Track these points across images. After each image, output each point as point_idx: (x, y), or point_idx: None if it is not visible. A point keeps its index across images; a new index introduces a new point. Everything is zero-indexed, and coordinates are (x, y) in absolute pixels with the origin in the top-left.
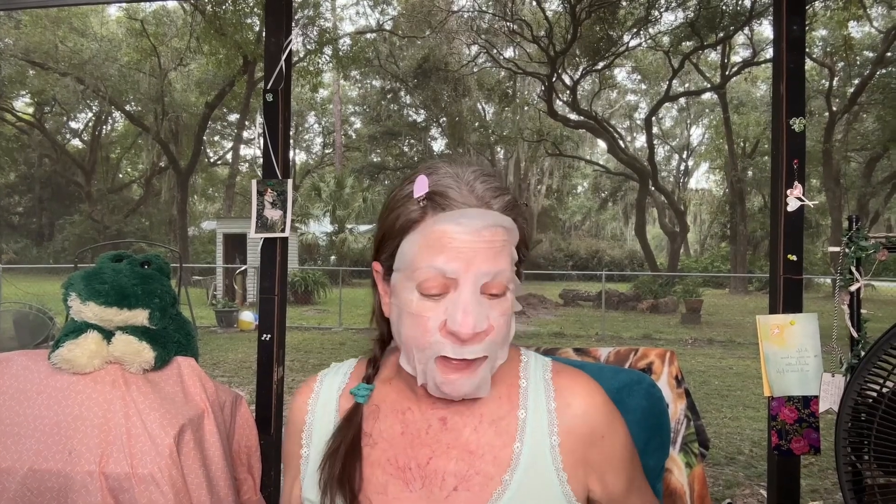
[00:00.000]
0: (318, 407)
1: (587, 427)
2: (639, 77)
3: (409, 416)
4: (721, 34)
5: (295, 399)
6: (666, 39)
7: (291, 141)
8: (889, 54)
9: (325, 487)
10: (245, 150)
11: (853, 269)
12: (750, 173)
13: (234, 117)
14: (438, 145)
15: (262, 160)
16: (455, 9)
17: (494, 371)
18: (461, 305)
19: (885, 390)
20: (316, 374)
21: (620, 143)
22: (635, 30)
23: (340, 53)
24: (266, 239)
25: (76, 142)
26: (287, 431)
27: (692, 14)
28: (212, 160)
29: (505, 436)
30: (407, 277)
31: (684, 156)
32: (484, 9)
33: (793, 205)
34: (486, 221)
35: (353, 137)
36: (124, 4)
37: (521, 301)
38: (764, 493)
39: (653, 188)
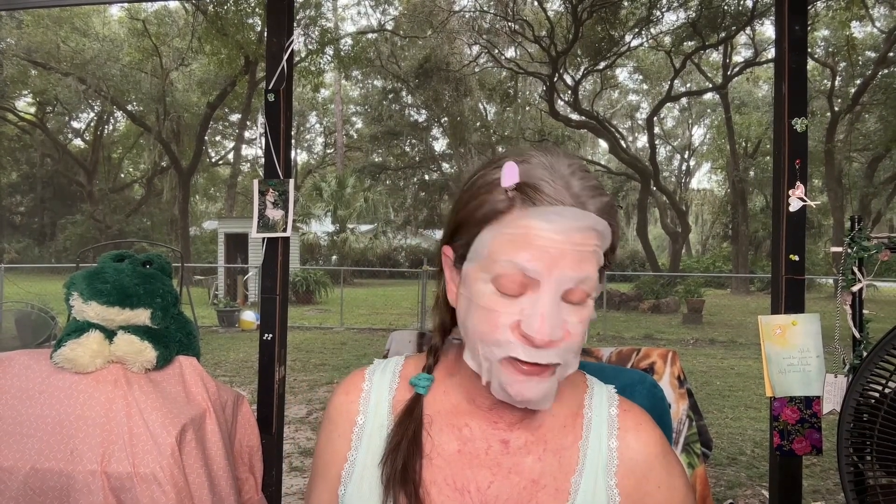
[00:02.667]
0: (369, 408)
1: (644, 473)
2: (640, 77)
3: (466, 433)
4: (723, 34)
5: (339, 397)
6: (668, 39)
7: (293, 141)
8: (891, 54)
9: (388, 484)
10: (247, 150)
11: (855, 269)
12: (752, 173)
13: (235, 117)
14: (440, 145)
15: (263, 160)
16: (456, 9)
17: (563, 380)
18: (540, 309)
19: (887, 391)
20: (359, 369)
21: (622, 143)
22: (637, 30)
23: (342, 53)
24: (268, 239)
25: (78, 142)
26: (328, 431)
27: (694, 14)
28: (213, 160)
29: (567, 468)
30: (482, 268)
31: (686, 156)
32: (485, 9)
33: (795, 205)
34: (580, 223)
35: (355, 137)
36: (126, 4)
37: None
38: (766, 493)
39: (654, 188)
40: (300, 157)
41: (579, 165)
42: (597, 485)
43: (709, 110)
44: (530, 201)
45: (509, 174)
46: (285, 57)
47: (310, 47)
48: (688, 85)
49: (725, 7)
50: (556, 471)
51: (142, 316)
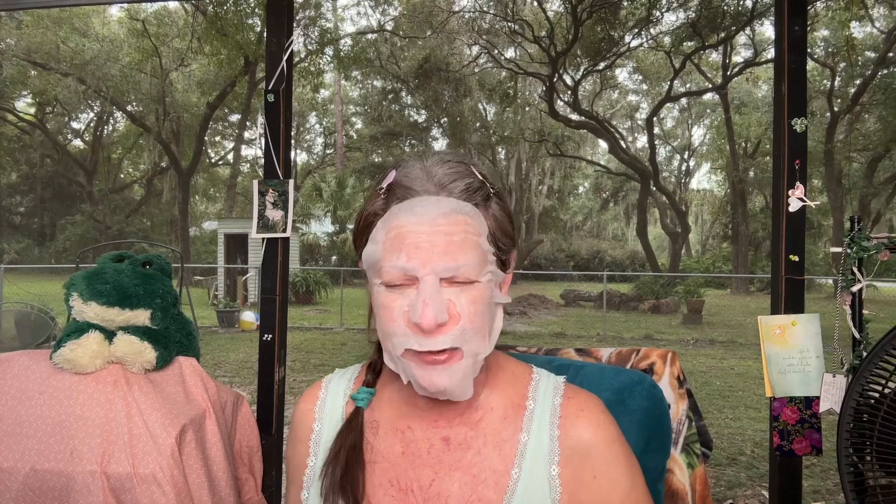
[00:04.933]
0: (325, 415)
1: (580, 462)
2: (640, 77)
3: (409, 435)
4: (722, 34)
5: (299, 406)
6: (667, 40)
7: (293, 141)
8: (891, 54)
9: (328, 494)
10: (246, 151)
11: (855, 269)
12: (751, 174)
13: (235, 118)
14: (440, 146)
15: (263, 160)
16: (456, 9)
17: (478, 368)
18: (421, 296)
19: (886, 391)
20: (318, 379)
21: (622, 143)
22: (636, 30)
23: (341, 54)
24: (267, 239)
25: (78, 142)
26: (292, 439)
27: (693, 14)
28: (213, 160)
29: (507, 460)
30: (376, 274)
31: (686, 156)
32: (485, 9)
33: (794, 205)
34: (443, 209)
35: (355, 138)
36: (125, 5)
37: (521, 302)
38: (766, 493)
39: (654, 188)
40: (300, 157)
41: (447, 156)
42: (537, 476)
43: (708, 110)
44: (397, 198)
45: (387, 178)
46: (285, 57)
47: (309, 47)
48: (687, 85)
49: (725, 7)
50: (496, 464)
51: (141, 316)
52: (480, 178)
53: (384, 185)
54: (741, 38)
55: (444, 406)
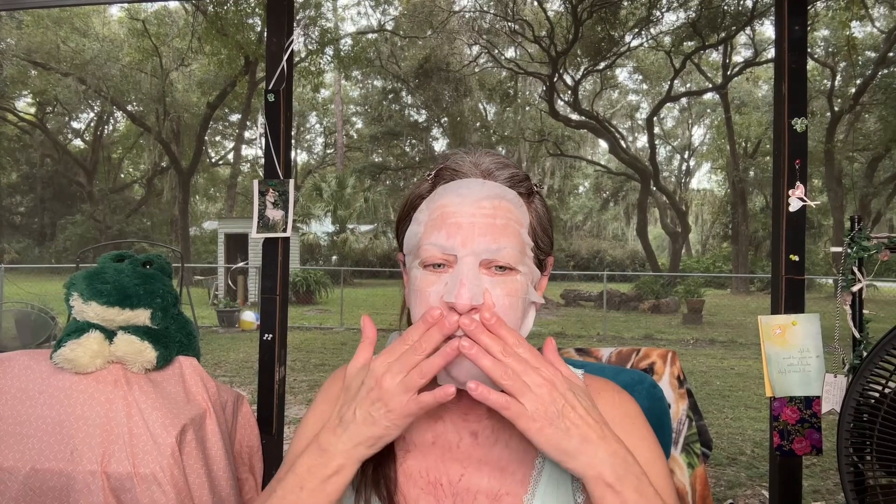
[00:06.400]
0: None
1: None
2: (640, 77)
3: (439, 427)
4: (723, 34)
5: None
6: (667, 39)
7: (293, 141)
8: (891, 54)
9: (360, 488)
10: (247, 151)
11: (855, 269)
12: (752, 173)
13: (235, 117)
14: (440, 145)
15: (263, 160)
16: (456, 9)
17: None
18: (459, 277)
19: (887, 391)
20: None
21: (622, 143)
22: (637, 30)
23: (342, 54)
24: (268, 239)
25: (78, 142)
26: (329, 403)
27: (694, 14)
28: (213, 160)
29: (532, 451)
30: (415, 257)
31: (686, 156)
32: (485, 9)
33: (795, 205)
34: (488, 192)
35: (355, 137)
36: (126, 5)
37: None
38: (766, 493)
39: (654, 188)
40: (300, 157)
41: (495, 152)
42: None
43: (709, 110)
44: (443, 179)
45: (436, 169)
46: (285, 57)
47: (310, 47)
48: (688, 85)
49: (725, 7)
50: (522, 456)
51: (142, 316)
52: (524, 173)
53: (432, 172)
54: (741, 38)
55: (473, 400)
